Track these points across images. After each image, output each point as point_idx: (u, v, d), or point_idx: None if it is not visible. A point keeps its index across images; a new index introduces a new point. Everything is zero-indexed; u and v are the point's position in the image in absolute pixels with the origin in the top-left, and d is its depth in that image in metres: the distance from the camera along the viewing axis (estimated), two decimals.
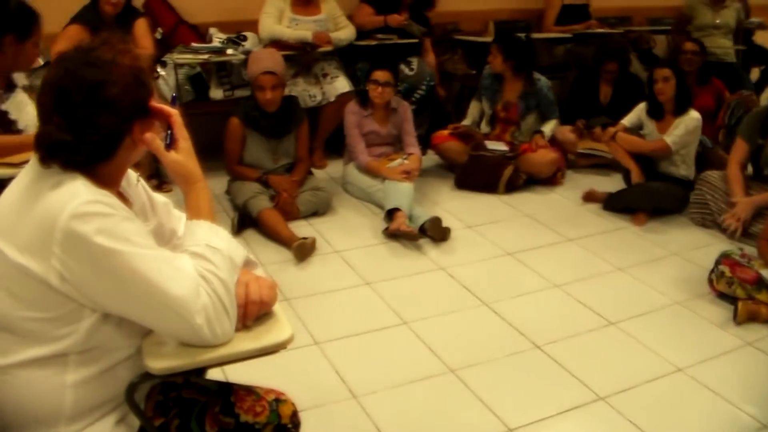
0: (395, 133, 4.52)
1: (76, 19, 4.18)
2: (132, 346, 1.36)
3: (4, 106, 2.59)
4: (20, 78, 2.73)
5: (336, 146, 5.07)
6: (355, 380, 2.57)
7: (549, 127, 4.83)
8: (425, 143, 4.91)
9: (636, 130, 4.40)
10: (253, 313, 1.41)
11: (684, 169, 4.25)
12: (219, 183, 4.33)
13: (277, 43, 4.72)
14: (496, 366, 2.70)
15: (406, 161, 4.33)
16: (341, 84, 4.93)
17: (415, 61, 5.23)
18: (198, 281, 1.29)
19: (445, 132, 4.94)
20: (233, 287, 1.36)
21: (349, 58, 5.17)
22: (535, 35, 5.97)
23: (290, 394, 1.62)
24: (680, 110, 4.17)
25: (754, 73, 6.55)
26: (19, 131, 2.59)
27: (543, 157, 4.68)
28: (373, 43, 5.09)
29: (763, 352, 2.80)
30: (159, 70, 4.45)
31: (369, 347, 2.82)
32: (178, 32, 4.88)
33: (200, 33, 5.02)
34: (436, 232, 3.79)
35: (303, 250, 3.55)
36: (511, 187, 4.61)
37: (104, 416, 1.35)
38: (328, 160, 5.12)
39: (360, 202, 4.38)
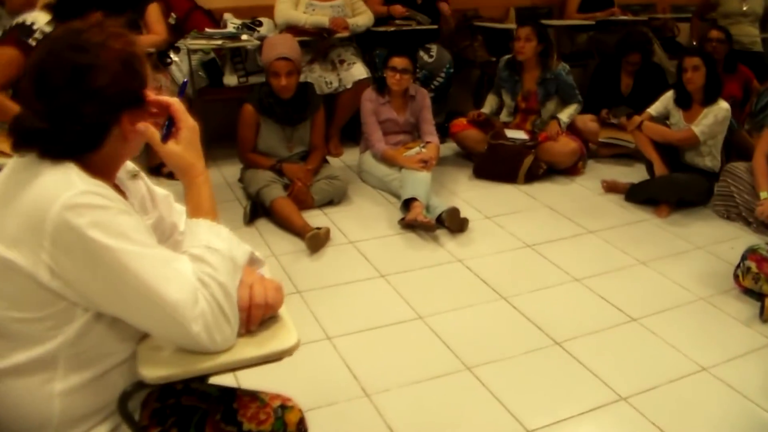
0: (413, 121, 4.44)
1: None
2: (126, 350, 1.27)
3: None
4: None
5: (352, 134, 5.02)
6: (367, 377, 2.50)
7: (567, 113, 4.68)
8: (443, 131, 4.83)
9: (662, 119, 4.28)
10: (258, 317, 1.32)
11: (710, 160, 4.14)
12: (232, 171, 4.28)
13: (293, 29, 4.66)
14: (514, 363, 2.63)
15: (423, 150, 4.26)
16: (358, 71, 4.86)
17: (434, 48, 5.16)
18: (196, 286, 1.20)
19: (464, 120, 4.86)
20: (234, 291, 1.26)
21: (366, 44, 5.12)
22: (557, 22, 5.88)
23: (299, 392, 1.55)
24: (709, 100, 4.04)
25: None
26: None
27: (564, 146, 4.57)
28: (391, 29, 5.02)
29: None
30: (172, 56, 4.40)
31: (383, 343, 2.75)
32: (191, 17, 4.84)
33: (215, 18, 4.99)
34: (453, 222, 3.72)
35: (316, 241, 3.49)
36: (531, 177, 4.51)
37: (96, 426, 1.28)
38: (344, 149, 5.05)
39: (376, 192, 4.31)
